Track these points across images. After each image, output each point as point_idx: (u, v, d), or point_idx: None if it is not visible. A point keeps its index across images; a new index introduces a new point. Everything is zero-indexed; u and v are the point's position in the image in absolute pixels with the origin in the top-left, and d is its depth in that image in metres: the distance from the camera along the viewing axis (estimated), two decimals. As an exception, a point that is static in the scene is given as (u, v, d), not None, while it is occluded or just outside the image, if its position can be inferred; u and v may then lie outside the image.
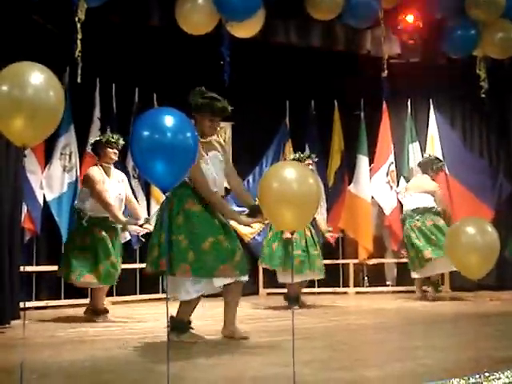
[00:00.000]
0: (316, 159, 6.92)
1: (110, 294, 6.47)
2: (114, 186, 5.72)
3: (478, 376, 2.85)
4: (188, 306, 4.35)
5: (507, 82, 8.12)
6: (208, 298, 4.66)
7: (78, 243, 5.62)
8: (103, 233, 5.60)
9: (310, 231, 6.65)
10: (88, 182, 5.61)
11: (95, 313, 5.71)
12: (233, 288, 4.33)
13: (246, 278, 4.35)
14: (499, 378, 2.87)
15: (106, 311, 5.74)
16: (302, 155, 6.70)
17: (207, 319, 5.35)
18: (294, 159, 6.59)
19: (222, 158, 4.51)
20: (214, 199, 4.28)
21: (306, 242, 6.53)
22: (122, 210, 5.78)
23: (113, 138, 5.73)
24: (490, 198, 8.42)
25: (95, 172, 5.65)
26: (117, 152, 5.78)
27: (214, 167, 4.39)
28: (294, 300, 6.52)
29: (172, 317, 4.29)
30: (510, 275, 8.09)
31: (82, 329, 5.15)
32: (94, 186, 5.54)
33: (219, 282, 4.21)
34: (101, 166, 5.72)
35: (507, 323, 5.32)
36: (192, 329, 4.41)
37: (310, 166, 6.61)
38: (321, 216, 7.05)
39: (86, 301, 6.61)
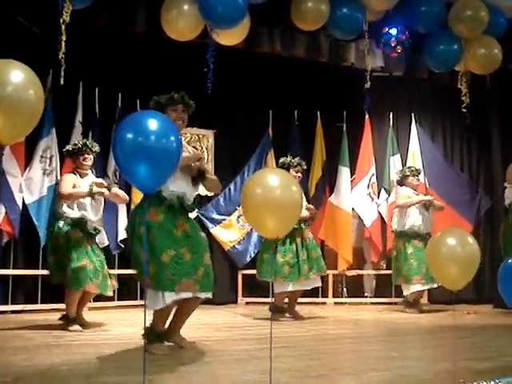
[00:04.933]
0: (305, 166, 6.82)
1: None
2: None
3: (454, 386, 2.86)
4: (159, 316, 4.19)
5: (489, 97, 8.24)
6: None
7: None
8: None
9: (302, 236, 6.54)
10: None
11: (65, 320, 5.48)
12: (191, 301, 4.23)
13: (207, 295, 4.20)
14: (475, 389, 2.88)
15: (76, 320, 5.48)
16: (292, 161, 6.53)
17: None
18: (283, 163, 6.53)
19: None
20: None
21: (296, 247, 6.45)
22: (100, 214, 5.75)
23: (82, 144, 5.70)
24: (470, 211, 8.54)
25: (65, 177, 5.69)
26: (87, 157, 5.69)
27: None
28: (278, 311, 6.45)
29: (147, 326, 4.09)
30: (486, 289, 8.16)
31: (58, 333, 5.10)
32: (58, 190, 5.65)
33: (174, 297, 4.05)
34: (76, 171, 5.70)
35: (483, 336, 5.36)
36: (162, 341, 4.24)
37: (299, 174, 6.55)
38: None
39: (63, 305, 6.57)
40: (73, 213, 5.51)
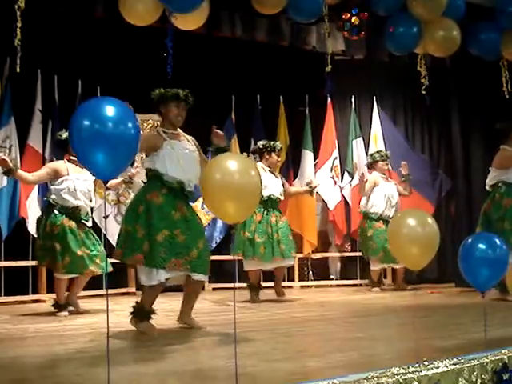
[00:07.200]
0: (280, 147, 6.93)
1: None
2: (84, 180, 5.72)
3: (417, 365, 2.91)
4: (149, 294, 4.42)
5: (448, 80, 8.32)
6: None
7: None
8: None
9: (276, 217, 6.70)
10: None
11: (56, 307, 5.69)
12: (189, 282, 4.50)
13: (200, 277, 4.46)
14: (438, 367, 2.93)
15: (67, 305, 5.71)
16: (275, 144, 6.79)
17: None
18: (265, 146, 6.71)
19: (194, 151, 4.67)
20: None
21: (271, 228, 6.60)
22: (93, 204, 5.94)
23: None
24: (431, 193, 8.65)
25: (52, 163, 5.94)
26: None
27: (181, 154, 4.47)
28: (253, 288, 6.67)
29: (136, 302, 4.44)
30: (449, 268, 8.29)
31: (23, 325, 5.03)
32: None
33: (166, 275, 4.30)
34: (68, 160, 5.74)
35: (446, 314, 5.47)
36: (151, 318, 4.44)
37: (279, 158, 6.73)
38: None
39: (27, 297, 6.52)
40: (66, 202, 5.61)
